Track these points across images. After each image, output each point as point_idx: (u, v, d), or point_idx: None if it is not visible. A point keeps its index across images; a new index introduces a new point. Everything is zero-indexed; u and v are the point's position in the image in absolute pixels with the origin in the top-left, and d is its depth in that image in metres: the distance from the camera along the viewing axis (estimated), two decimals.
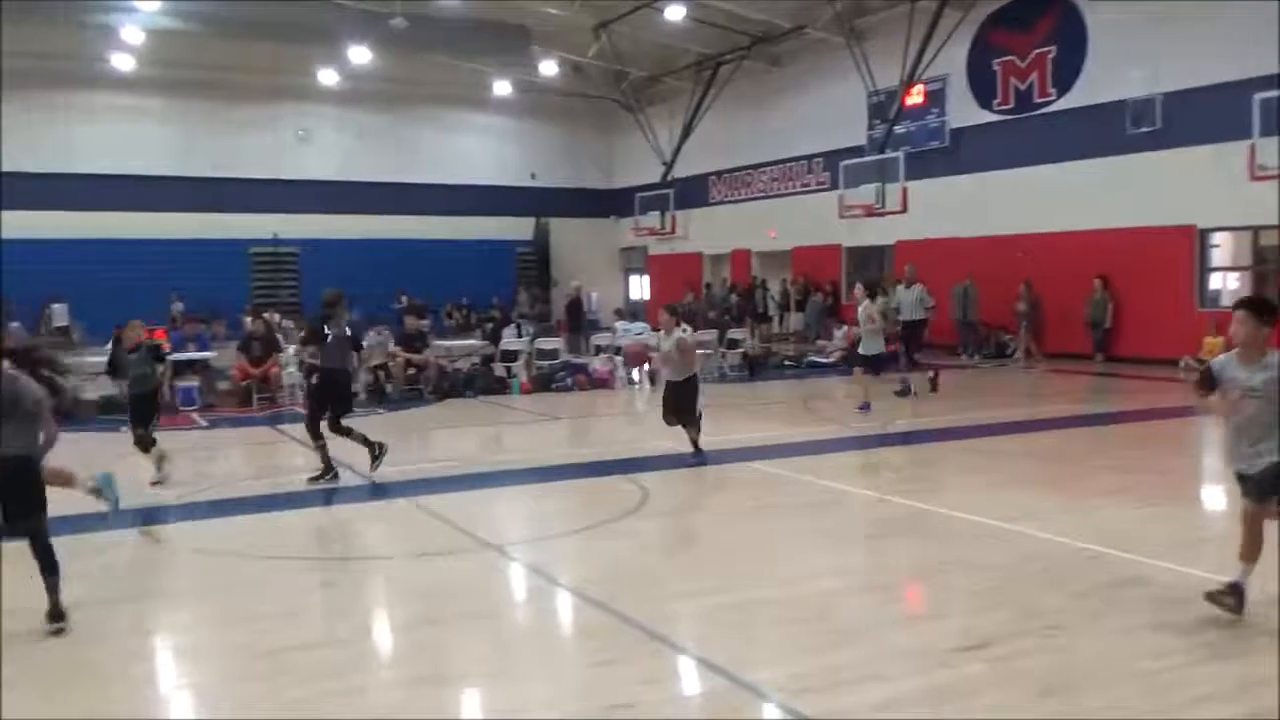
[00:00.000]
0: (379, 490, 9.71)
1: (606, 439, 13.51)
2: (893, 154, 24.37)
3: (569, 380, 18.13)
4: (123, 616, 6.28)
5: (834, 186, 26.55)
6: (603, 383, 18.55)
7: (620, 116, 34.72)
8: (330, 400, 10.04)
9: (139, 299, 23.75)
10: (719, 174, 31.89)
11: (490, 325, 23.44)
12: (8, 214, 27.66)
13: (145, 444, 9.91)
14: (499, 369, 18.28)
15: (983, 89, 23.31)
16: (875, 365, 14.56)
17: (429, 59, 29.69)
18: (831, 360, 21.04)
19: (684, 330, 11.06)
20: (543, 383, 17.91)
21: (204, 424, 14.45)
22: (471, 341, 22.00)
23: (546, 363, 18.68)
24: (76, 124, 29.39)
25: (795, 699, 4.61)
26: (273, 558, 7.40)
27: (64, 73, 28.42)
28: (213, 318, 23.11)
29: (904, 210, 23.80)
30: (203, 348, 17.08)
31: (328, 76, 30.74)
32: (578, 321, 25.00)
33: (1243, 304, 5.52)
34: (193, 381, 15.85)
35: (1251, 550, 5.41)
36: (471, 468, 11.04)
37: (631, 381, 19.51)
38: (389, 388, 17.01)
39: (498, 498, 9.65)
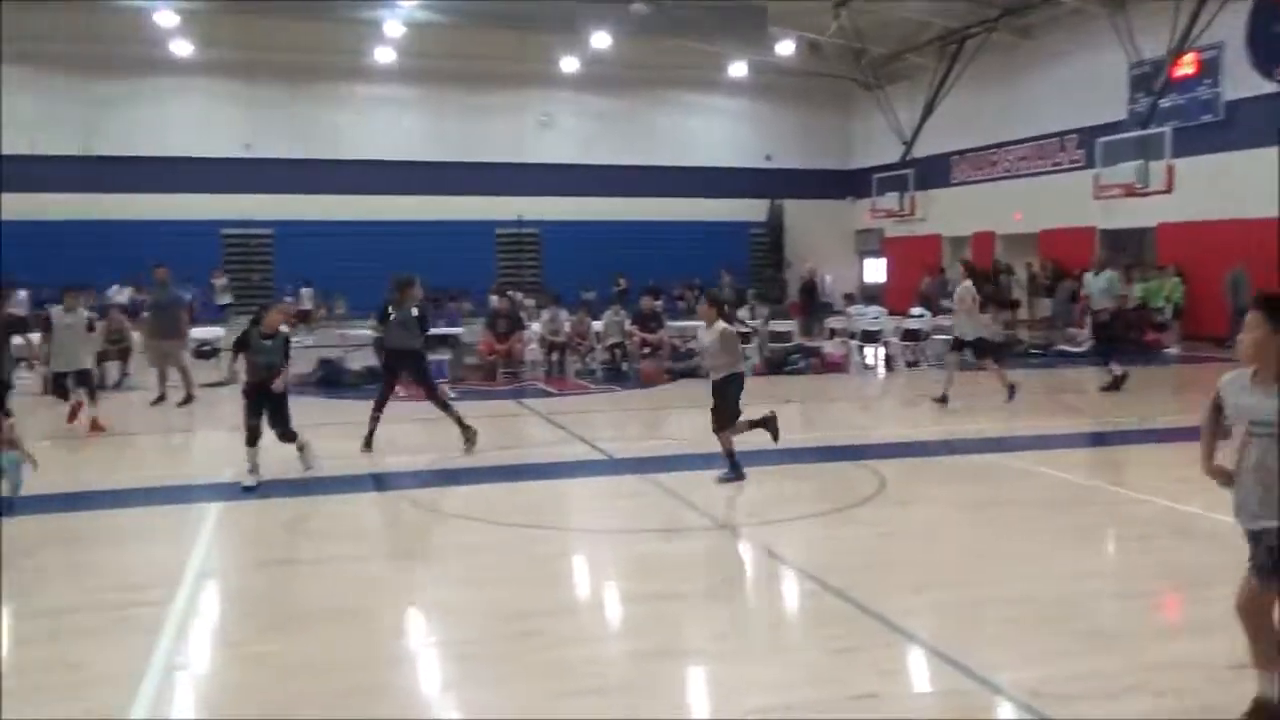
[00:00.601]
0: (615, 466, 9.95)
1: (840, 423, 13.32)
2: (1158, 129, 22.65)
3: (802, 363, 17.98)
4: (378, 572, 6.74)
5: (1088, 165, 24.97)
6: (836, 366, 18.28)
7: (858, 95, 33.98)
8: (395, 375, 10.77)
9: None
10: (962, 153, 30.66)
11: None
12: (280, 197, 30.23)
13: (257, 435, 9.08)
14: None
15: (1265, 56, 21.26)
16: (976, 350, 13.73)
17: (666, 43, 30.01)
18: (1081, 349, 19.85)
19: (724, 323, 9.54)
20: (775, 365, 17.84)
21: (453, 395, 15.21)
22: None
23: (779, 345, 18.59)
24: (342, 114, 31.66)
25: (1046, 705, 4.38)
26: (516, 525, 7.72)
27: (332, 66, 30.65)
28: (461, 295, 24.37)
29: (1169, 190, 22.10)
30: (452, 324, 18.02)
31: (569, 63, 31.66)
32: (811, 304, 24.73)
33: (1257, 301, 3.99)
34: (444, 355, 16.77)
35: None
36: (704, 447, 11.09)
37: (867, 366, 19.17)
38: (625, 366, 17.42)
39: None
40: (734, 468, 8.95)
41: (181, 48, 29.16)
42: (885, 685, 4.69)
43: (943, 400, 13.30)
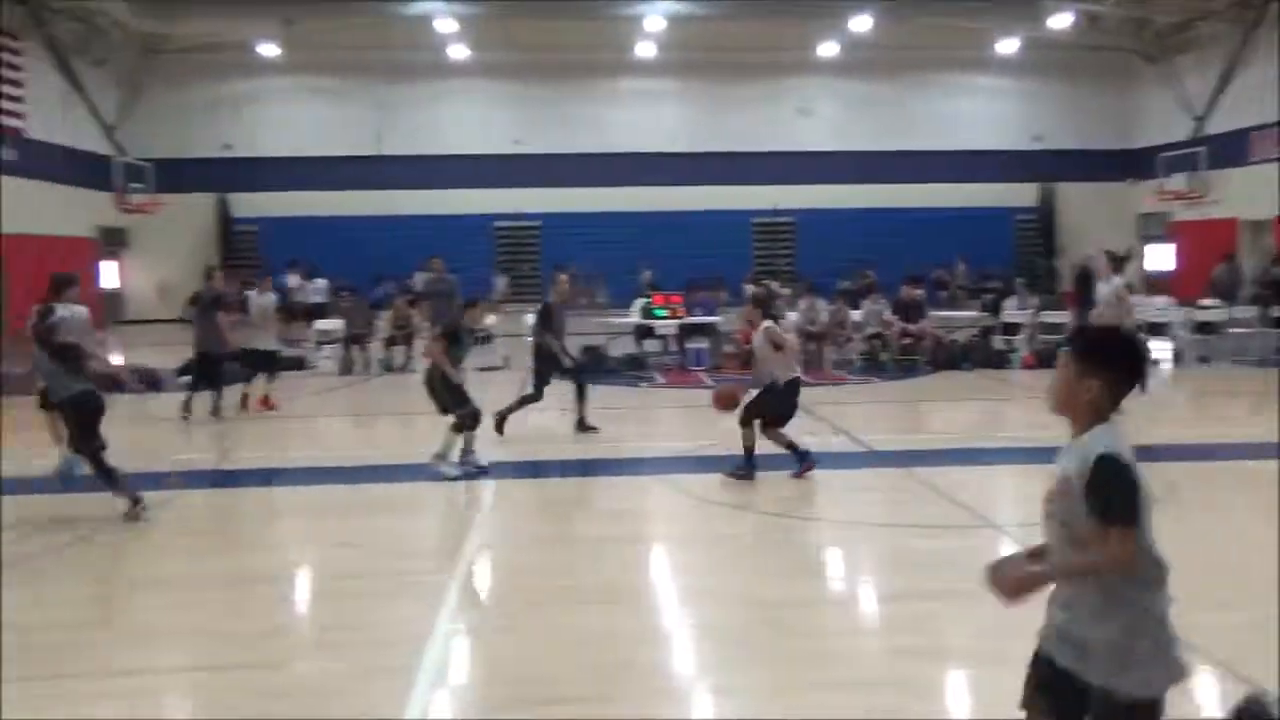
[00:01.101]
0: (875, 458, 9.76)
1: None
2: None
3: None
4: (640, 554, 6.92)
5: None
6: None
7: (1140, 69, 31.56)
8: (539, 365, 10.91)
9: (656, 266, 25.93)
10: (1261, 128, 27.84)
11: (991, 296, 22.54)
12: (546, 191, 31.57)
13: (467, 424, 9.16)
14: (998, 341, 17.56)
15: None
16: None
17: (930, 22, 29.02)
18: None
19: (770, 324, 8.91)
20: (1047, 358, 16.91)
21: (710, 384, 15.43)
22: (969, 312, 21.35)
23: (1051, 337, 17.60)
24: (605, 108, 32.66)
25: None
26: (775, 514, 7.73)
27: (596, 63, 31.67)
28: (718, 285, 24.57)
29: None
30: (708, 313, 18.20)
31: (827, 49, 31.22)
32: (1087, 294, 23.22)
33: (1070, 337, 3.34)
34: (702, 344, 17.00)
35: None
36: (967, 442, 10.73)
37: (1151, 361, 17.85)
38: (884, 357, 17.03)
39: (995, 475, 9.29)
40: (748, 463, 8.60)
41: (459, 52, 31.01)
42: (1170, 706, 4.35)
43: None
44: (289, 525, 8.04)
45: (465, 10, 28.54)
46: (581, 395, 11.03)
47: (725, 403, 8.63)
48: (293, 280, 25.55)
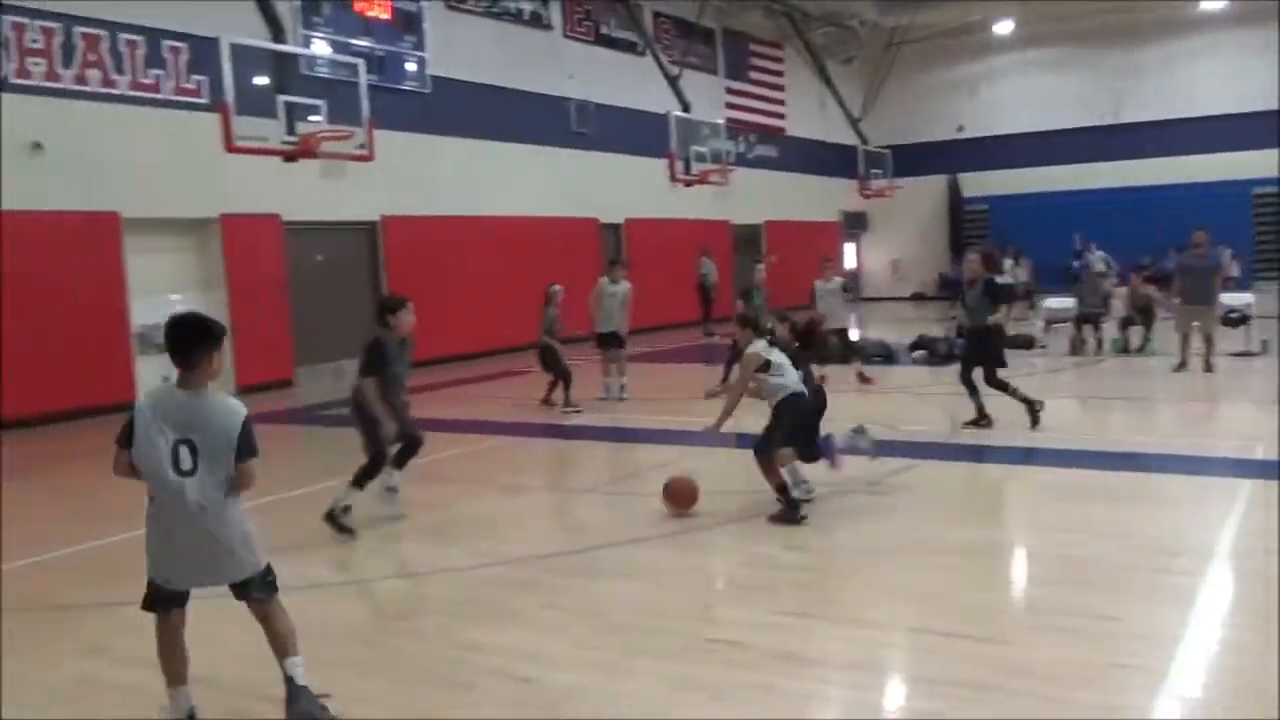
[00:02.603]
0: None
1: None
2: None
3: None
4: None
5: None
6: None
7: None
8: (975, 355, 10.30)
9: None
10: None
11: None
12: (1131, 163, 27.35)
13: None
14: None
15: None
16: None
17: None
18: None
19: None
20: None
21: None
22: None
23: None
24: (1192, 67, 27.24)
25: None
26: None
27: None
28: None
29: None
30: None
31: None
32: None
33: None
34: None
35: None
36: None
37: None
38: None
39: None
40: (789, 505, 7.09)
41: (1212, 3, 27.97)
42: None
43: None
44: (1019, 502, 7.98)
45: None
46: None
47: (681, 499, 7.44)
48: (1005, 264, 25.40)
